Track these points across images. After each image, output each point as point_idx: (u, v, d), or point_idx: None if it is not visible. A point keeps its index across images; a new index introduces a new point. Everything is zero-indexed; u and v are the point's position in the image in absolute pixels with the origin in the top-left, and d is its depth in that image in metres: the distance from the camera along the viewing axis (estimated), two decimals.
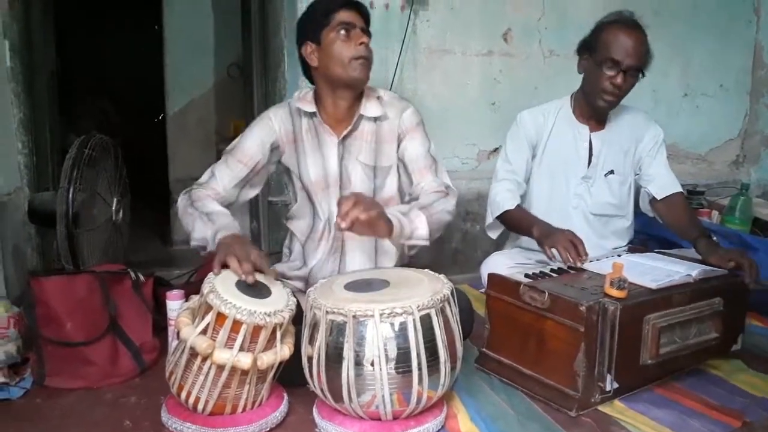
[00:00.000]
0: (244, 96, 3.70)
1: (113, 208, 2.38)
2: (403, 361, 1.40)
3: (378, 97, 1.85)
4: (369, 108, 1.82)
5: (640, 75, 2.07)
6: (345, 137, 1.82)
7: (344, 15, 1.74)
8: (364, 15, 1.79)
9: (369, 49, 1.76)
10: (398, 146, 1.85)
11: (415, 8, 2.82)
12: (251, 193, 1.87)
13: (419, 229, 1.65)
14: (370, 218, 1.51)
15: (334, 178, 1.83)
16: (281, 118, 1.84)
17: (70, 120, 4.54)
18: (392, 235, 1.60)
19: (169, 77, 3.95)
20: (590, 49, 2.08)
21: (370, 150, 1.83)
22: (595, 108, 2.13)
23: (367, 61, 1.75)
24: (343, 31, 1.73)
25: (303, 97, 1.85)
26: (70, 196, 2.11)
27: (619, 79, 2.01)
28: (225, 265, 1.52)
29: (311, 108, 1.82)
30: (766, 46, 3.46)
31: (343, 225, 1.48)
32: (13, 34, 2.45)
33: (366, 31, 1.77)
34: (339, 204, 1.53)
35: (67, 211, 2.10)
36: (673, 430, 1.55)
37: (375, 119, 1.82)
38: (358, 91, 1.81)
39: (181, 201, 1.77)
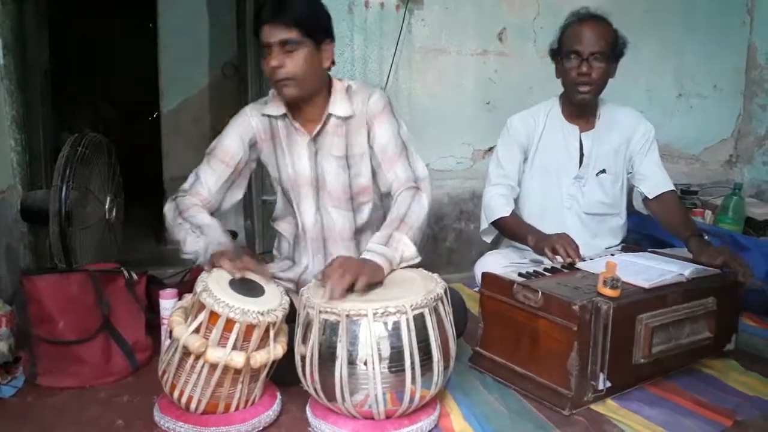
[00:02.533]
0: (238, 94, 3.69)
1: (106, 206, 2.37)
2: (396, 360, 1.41)
3: (347, 88, 1.80)
4: (337, 106, 1.77)
5: (616, 61, 2.09)
6: (316, 135, 1.79)
7: (264, 33, 1.64)
8: (293, 22, 1.61)
9: (288, 66, 1.63)
10: (368, 133, 1.79)
11: (410, 7, 2.82)
12: (236, 196, 1.84)
13: (405, 251, 1.62)
14: (364, 283, 1.48)
15: (308, 177, 1.81)
16: (258, 114, 1.82)
17: (63, 118, 4.52)
18: (384, 275, 1.57)
19: (163, 75, 3.93)
20: (558, 52, 2.14)
21: (341, 142, 1.80)
22: (575, 104, 2.15)
23: (287, 80, 1.65)
24: (266, 52, 1.66)
25: (275, 97, 1.80)
26: (63, 194, 2.10)
27: (584, 68, 2.04)
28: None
29: (280, 111, 1.78)
30: (760, 47, 3.47)
31: (336, 296, 1.45)
32: (6, 31, 2.44)
33: (287, 44, 1.62)
34: (325, 274, 1.50)
35: (60, 209, 2.09)
36: (666, 428, 1.56)
37: (344, 117, 1.78)
38: (306, 99, 1.74)
39: (169, 210, 1.74)
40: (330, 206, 1.83)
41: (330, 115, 1.77)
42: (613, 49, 2.07)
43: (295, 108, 1.78)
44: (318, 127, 1.78)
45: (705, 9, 3.35)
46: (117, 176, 2.45)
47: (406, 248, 1.62)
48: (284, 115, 1.79)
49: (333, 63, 1.77)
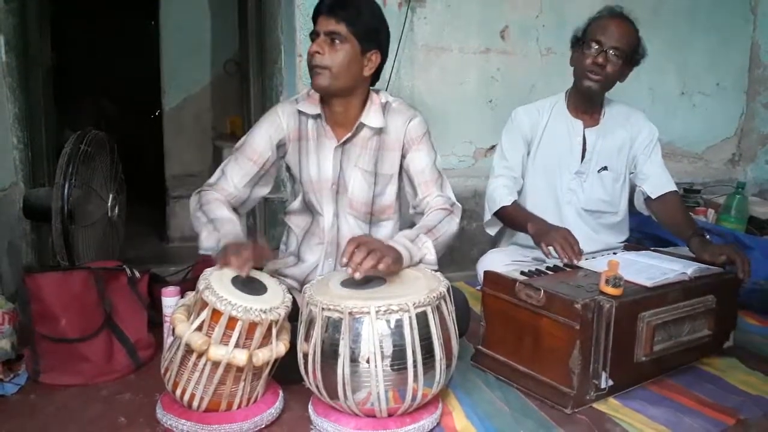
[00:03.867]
0: (240, 92, 3.70)
1: (109, 204, 2.37)
2: (398, 358, 1.41)
3: (384, 103, 1.81)
4: (371, 117, 1.77)
5: (630, 66, 2.10)
6: (344, 142, 1.79)
7: (318, 22, 1.69)
8: (345, 18, 1.66)
9: (327, 56, 1.66)
10: (403, 156, 1.81)
11: (412, 5, 2.81)
12: (263, 191, 1.85)
13: (427, 255, 1.64)
14: (387, 268, 1.50)
15: (330, 182, 1.81)
16: (289, 114, 1.82)
17: (65, 116, 4.52)
18: (402, 266, 1.58)
19: (165, 73, 3.94)
20: (579, 41, 2.14)
21: (371, 157, 1.80)
22: (582, 92, 2.14)
23: (320, 68, 1.67)
24: (313, 38, 1.70)
25: (311, 95, 1.81)
26: (66, 191, 2.10)
27: (600, 58, 2.04)
28: (226, 264, 1.52)
29: (315, 110, 1.78)
30: (763, 45, 3.46)
31: (358, 276, 1.47)
32: (9, 29, 2.44)
33: (334, 36, 1.66)
34: (346, 250, 1.50)
35: (63, 207, 2.09)
36: (668, 427, 1.56)
37: (376, 129, 1.78)
38: (336, 97, 1.74)
39: (192, 202, 1.77)
40: (348, 213, 1.84)
41: (362, 124, 1.77)
42: (633, 52, 2.08)
43: (328, 111, 1.78)
44: (348, 135, 1.78)
45: (708, 7, 3.34)
46: (119, 174, 2.45)
47: (429, 253, 1.64)
48: (318, 116, 1.79)
49: (377, 77, 1.80)
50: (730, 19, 3.41)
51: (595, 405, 1.64)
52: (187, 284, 1.96)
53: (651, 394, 1.72)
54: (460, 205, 1.81)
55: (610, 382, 1.64)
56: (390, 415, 1.46)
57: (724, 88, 3.46)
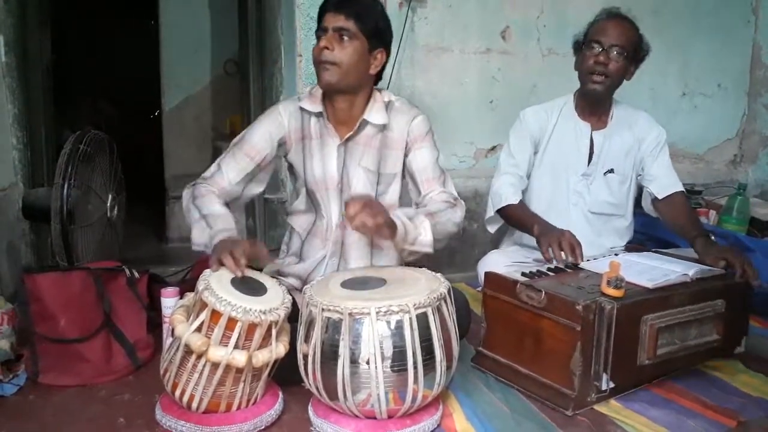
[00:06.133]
0: (240, 92, 3.69)
1: (108, 204, 2.36)
2: (398, 359, 1.40)
3: (387, 102, 1.81)
4: (374, 114, 1.77)
5: (635, 63, 2.10)
6: (347, 140, 1.78)
7: (326, 18, 1.69)
8: (353, 15, 1.67)
9: (336, 52, 1.66)
10: (405, 155, 1.82)
11: (413, 6, 2.81)
12: (256, 189, 1.85)
13: (423, 235, 1.63)
14: (377, 225, 1.51)
15: (334, 181, 1.81)
16: (291, 113, 1.81)
17: (65, 116, 4.52)
18: (395, 238, 1.59)
19: (165, 73, 3.93)
20: (580, 44, 2.14)
21: (374, 156, 1.80)
22: (587, 95, 2.14)
23: (329, 64, 1.67)
24: (320, 36, 1.70)
25: (313, 93, 1.81)
26: (65, 192, 2.09)
27: (602, 57, 2.04)
28: (222, 264, 1.51)
29: (317, 108, 1.78)
30: (765, 46, 3.46)
31: (350, 227, 1.48)
32: (8, 29, 2.44)
33: (342, 32, 1.66)
34: (347, 205, 1.52)
35: (62, 207, 2.09)
36: (669, 429, 1.55)
37: (380, 126, 1.78)
38: (342, 94, 1.74)
39: (185, 195, 1.76)
40: None
41: (364, 121, 1.77)
42: (635, 50, 2.08)
43: (331, 108, 1.78)
44: (351, 132, 1.77)
45: (710, 8, 3.33)
46: (119, 174, 2.45)
47: (425, 233, 1.64)
48: (320, 114, 1.79)
49: (380, 77, 1.80)
50: (731, 20, 3.40)
51: (596, 407, 1.64)
52: (187, 285, 1.96)
53: (652, 396, 1.72)
54: (463, 203, 1.81)
55: (612, 384, 1.63)
56: (390, 417, 1.46)
57: (725, 89, 3.46)
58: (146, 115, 5.53)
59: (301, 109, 1.80)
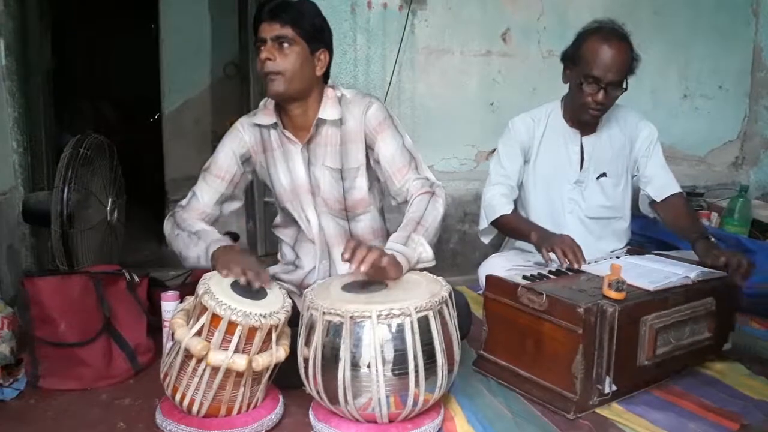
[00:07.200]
0: (240, 95, 3.68)
1: (108, 208, 2.36)
2: (400, 363, 1.39)
3: (340, 96, 1.79)
4: (328, 110, 1.76)
5: (627, 80, 2.04)
6: (308, 142, 1.78)
7: (262, 29, 1.66)
8: (289, 21, 1.64)
9: (278, 61, 1.65)
10: (369, 147, 1.79)
11: (413, 8, 2.81)
12: (234, 205, 1.87)
13: (424, 253, 1.63)
14: (388, 266, 1.51)
15: (304, 185, 1.80)
16: (248, 128, 1.82)
17: (65, 119, 4.52)
18: (402, 272, 1.58)
19: (164, 76, 3.92)
20: (572, 60, 2.08)
21: (335, 153, 1.78)
22: (582, 121, 2.13)
23: (274, 74, 1.65)
24: (260, 47, 1.68)
25: (267, 106, 1.81)
26: (65, 195, 2.09)
27: (600, 96, 2.01)
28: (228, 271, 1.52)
29: (270, 120, 1.78)
30: (765, 48, 3.46)
31: (363, 268, 1.47)
32: (8, 32, 2.44)
33: (281, 40, 1.64)
34: (346, 247, 1.51)
35: (62, 211, 2.09)
36: None
37: (336, 122, 1.77)
38: (294, 101, 1.72)
39: (167, 226, 1.78)
40: (326, 212, 1.83)
41: (320, 119, 1.76)
42: (630, 70, 2.04)
43: (286, 116, 1.78)
44: (309, 135, 1.77)
45: (710, 10, 3.34)
46: (119, 177, 2.45)
47: (424, 250, 1.63)
48: (275, 125, 1.79)
49: (327, 75, 1.78)
50: (731, 21, 3.40)
51: (598, 410, 1.63)
52: (187, 288, 1.95)
53: (654, 399, 1.71)
54: (439, 182, 1.78)
55: (614, 387, 1.62)
56: (391, 421, 1.45)
57: (726, 91, 3.46)
58: (146, 118, 5.53)
59: (255, 124, 1.81)
